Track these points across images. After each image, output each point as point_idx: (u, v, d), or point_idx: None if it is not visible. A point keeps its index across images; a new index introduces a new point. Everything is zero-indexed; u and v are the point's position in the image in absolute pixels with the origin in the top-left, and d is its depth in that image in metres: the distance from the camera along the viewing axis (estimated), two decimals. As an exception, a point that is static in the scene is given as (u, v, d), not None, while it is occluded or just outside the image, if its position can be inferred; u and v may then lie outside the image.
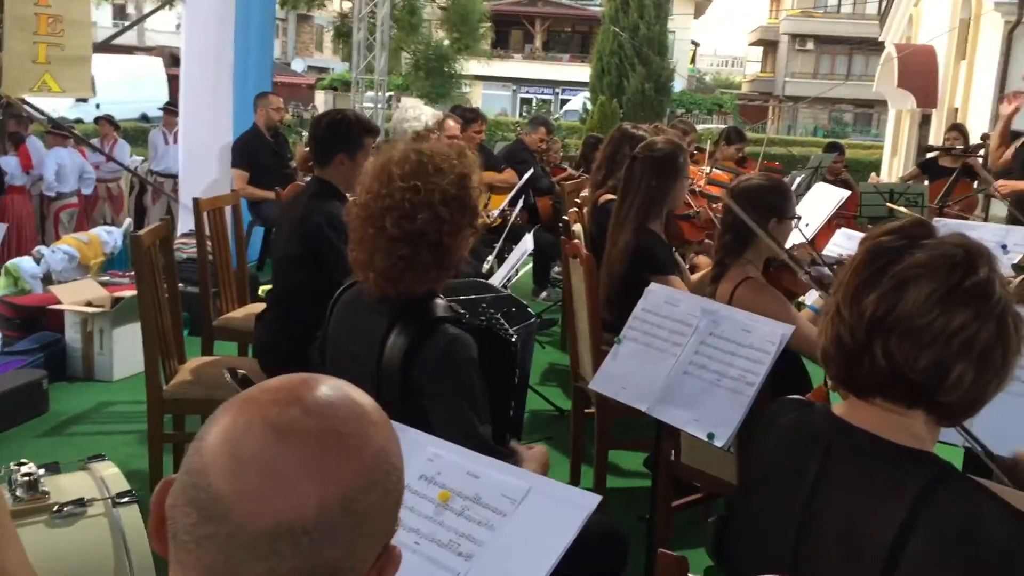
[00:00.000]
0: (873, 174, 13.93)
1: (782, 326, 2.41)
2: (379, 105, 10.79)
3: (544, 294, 6.93)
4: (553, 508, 1.55)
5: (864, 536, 1.21)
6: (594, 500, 1.54)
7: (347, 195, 3.58)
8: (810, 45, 45.05)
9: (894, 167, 21.72)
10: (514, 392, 2.25)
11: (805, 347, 2.74)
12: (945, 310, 1.22)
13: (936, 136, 18.36)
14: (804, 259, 3.14)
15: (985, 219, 7.86)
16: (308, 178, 4.54)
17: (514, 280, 4.26)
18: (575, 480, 3.80)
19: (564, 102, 37.46)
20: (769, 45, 47.94)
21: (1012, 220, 5.04)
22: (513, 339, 2.16)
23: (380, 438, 0.89)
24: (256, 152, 6.98)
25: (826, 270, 3.15)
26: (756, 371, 2.38)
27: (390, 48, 11.29)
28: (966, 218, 6.97)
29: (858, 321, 1.27)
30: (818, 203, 4.42)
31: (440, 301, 2.11)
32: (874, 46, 31.90)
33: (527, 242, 3.80)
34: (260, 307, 4.32)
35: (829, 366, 1.35)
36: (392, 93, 16.71)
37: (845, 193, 4.71)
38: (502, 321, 2.20)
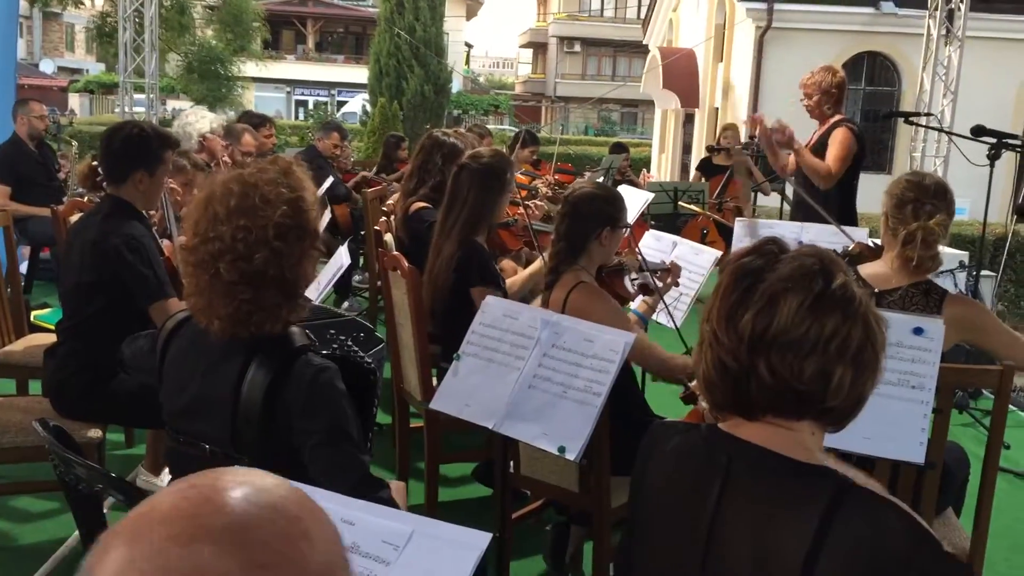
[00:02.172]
0: (644, 170, 14.63)
1: (625, 335, 2.43)
2: (152, 110, 10.13)
3: (346, 304, 6.74)
4: (441, 551, 1.46)
5: (775, 553, 1.21)
6: (485, 538, 1.46)
7: (146, 213, 3.30)
8: (577, 47, 46.84)
9: (663, 164, 22.97)
10: (372, 422, 2.13)
11: (645, 358, 2.79)
12: (816, 318, 1.26)
13: (699, 134, 19.58)
14: (632, 265, 3.20)
15: (753, 213, 8.42)
16: (87, 194, 4.16)
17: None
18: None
19: (341, 104, 36.87)
20: (539, 47, 49.41)
21: (796, 208, 5.37)
22: (371, 366, 2.05)
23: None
24: (19, 164, 6.34)
25: (651, 277, 3.23)
26: (602, 381, 2.39)
27: (159, 49, 10.62)
28: (742, 212, 7.45)
29: (738, 343, 1.29)
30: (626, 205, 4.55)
31: (296, 329, 1.96)
32: (637, 48, 33.65)
33: (342, 256, 3.65)
34: (42, 338, 3.91)
35: (713, 393, 1.36)
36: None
37: (649, 195, 4.88)
38: (356, 348, 2.07)
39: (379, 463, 3.92)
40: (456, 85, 31.58)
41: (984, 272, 7.12)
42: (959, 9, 9.68)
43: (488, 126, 11.51)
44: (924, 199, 2.84)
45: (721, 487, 1.30)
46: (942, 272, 5.34)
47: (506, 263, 4.33)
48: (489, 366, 2.57)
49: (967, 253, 8.13)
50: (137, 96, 10.45)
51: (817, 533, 1.18)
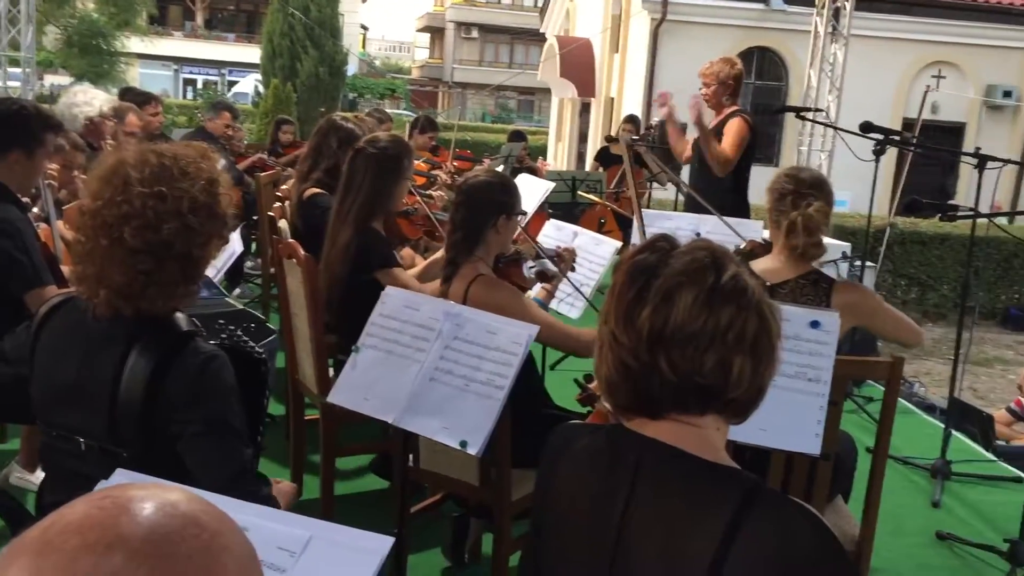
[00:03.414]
0: (541, 159, 14.70)
1: (528, 327, 2.40)
2: (30, 86, 9.59)
3: (237, 291, 6.54)
4: (341, 556, 1.40)
5: (684, 554, 1.20)
6: (386, 542, 1.40)
7: (21, 197, 3.10)
8: (475, 33, 46.73)
9: (559, 153, 23.14)
10: (263, 414, 2.04)
11: (546, 336, 2.77)
12: (712, 311, 1.26)
13: (596, 123, 19.78)
14: (529, 253, 3.17)
15: (649, 202, 8.54)
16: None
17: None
18: (298, 494, 3.59)
19: (232, 84, 35.84)
20: (436, 32, 49.09)
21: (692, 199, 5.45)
22: (263, 356, 1.95)
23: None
24: None
25: (549, 264, 3.21)
26: (505, 374, 2.36)
27: (36, 21, 10.06)
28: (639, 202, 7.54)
29: (637, 342, 1.28)
30: (526, 194, 4.52)
31: (181, 315, 1.85)
32: (535, 36, 33.75)
33: (234, 242, 3.51)
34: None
35: (616, 395, 1.34)
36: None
37: (550, 184, 4.87)
38: (246, 339, 1.97)
39: (272, 456, 3.81)
40: (352, 68, 31.07)
41: (866, 262, 7.40)
42: (845, 8, 10.00)
43: (385, 111, 11.37)
44: (802, 190, 2.96)
45: (630, 488, 1.28)
46: (826, 263, 5.50)
47: (405, 252, 4.25)
48: (389, 358, 2.51)
49: (849, 244, 8.44)
50: (12, 70, 9.92)
51: (726, 534, 1.18)
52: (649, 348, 1.27)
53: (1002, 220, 6.94)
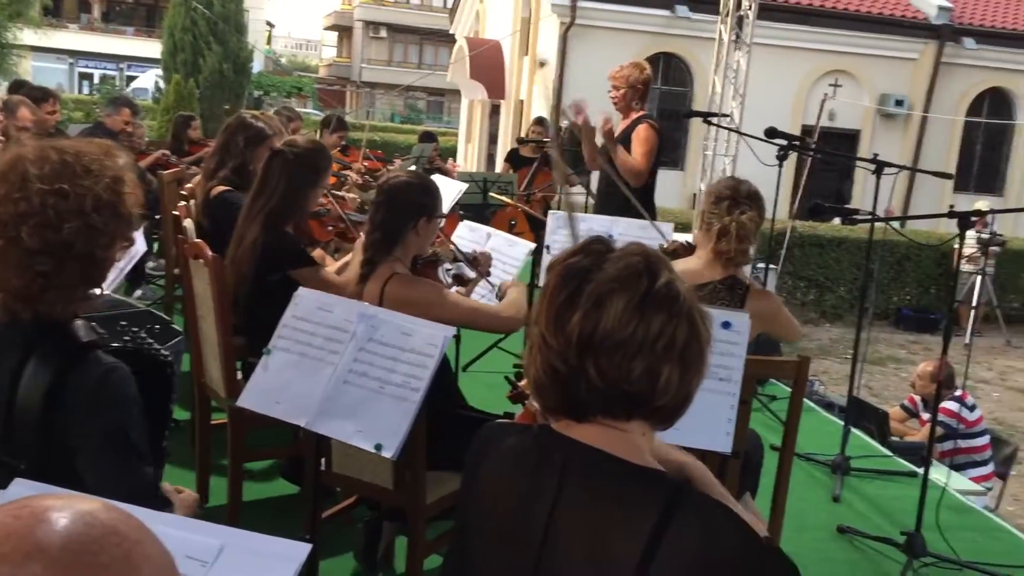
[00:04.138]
0: (451, 160, 14.67)
1: (444, 328, 2.38)
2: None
3: (139, 292, 6.33)
4: (256, 565, 1.36)
5: (610, 555, 1.20)
6: (302, 549, 1.37)
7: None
8: (384, 33, 46.35)
9: (469, 154, 23.14)
10: (169, 419, 1.96)
11: (473, 320, 2.77)
12: (643, 318, 1.26)
13: (505, 125, 19.85)
14: (446, 256, 3.16)
15: (559, 204, 8.60)
16: None
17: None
18: (204, 500, 3.50)
19: (131, 79, 34.72)
20: (344, 31, 48.51)
21: (601, 201, 5.51)
22: (168, 359, 1.88)
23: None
24: None
25: (466, 267, 3.20)
26: (420, 376, 2.34)
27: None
28: (549, 204, 7.59)
29: (566, 346, 1.27)
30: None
31: (81, 323, 1.76)
32: (444, 37, 33.67)
33: (136, 241, 3.38)
34: None
35: (544, 396, 1.33)
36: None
37: (463, 186, 4.85)
38: (150, 341, 1.90)
39: (178, 462, 3.69)
40: (257, 65, 30.44)
41: (768, 265, 7.62)
42: (748, 17, 10.27)
43: (293, 109, 11.16)
44: (739, 198, 3.04)
45: (557, 489, 1.28)
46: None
47: (316, 253, 4.18)
48: (302, 361, 2.46)
49: (753, 247, 8.65)
50: None
51: (652, 536, 1.18)
52: (578, 353, 1.26)
53: (897, 223, 7.22)
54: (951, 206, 3.76)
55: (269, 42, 47.97)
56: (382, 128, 27.42)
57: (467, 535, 1.41)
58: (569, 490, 1.28)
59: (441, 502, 2.73)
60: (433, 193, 2.94)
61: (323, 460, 2.80)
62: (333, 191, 4.35)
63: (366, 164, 6.71)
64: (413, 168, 6.83)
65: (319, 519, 2.72)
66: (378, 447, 2.28)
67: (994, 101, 17.47)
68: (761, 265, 7.57)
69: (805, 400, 5.66)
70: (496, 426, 1.48)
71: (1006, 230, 12.36)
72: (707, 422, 2.25)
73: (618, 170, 5.03)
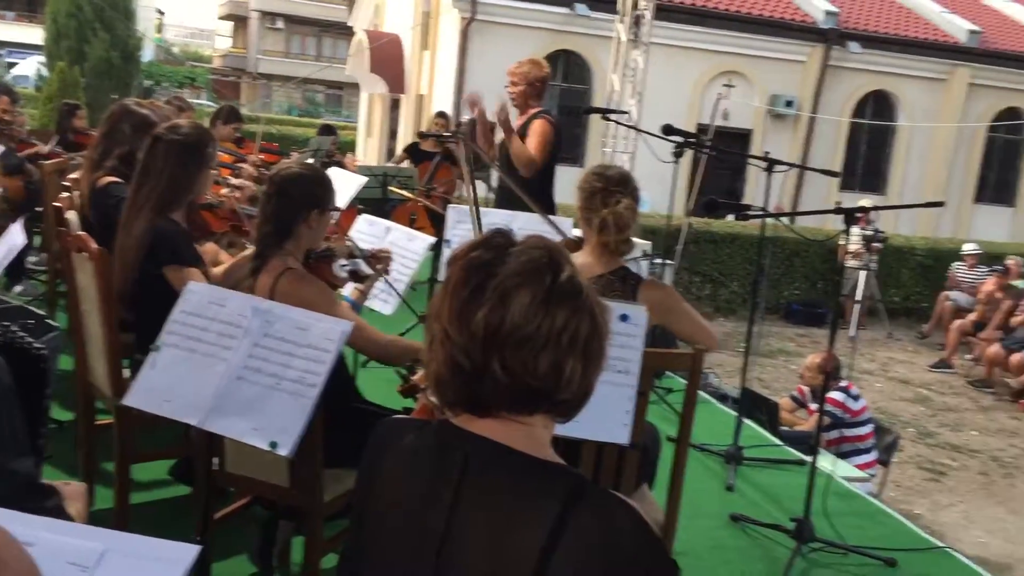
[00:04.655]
0: (350, 154, 14.50)
1: (342, 323, 2.34)
2: None
3: (19, 288, 6.04)
4: (141, 569, 1.30)
5: (511, 549, 1.20)
6: (190, 551, 1.32)
7: None
8: (280, 24, 45.46)
9: (369, 148, 22.89)
10: (45, 416, 1.87)
11: (357, 339, 2.70)
12: (548, 312, 1.26)
13: (406, 120, 19.70)
14: (342, 251, 3.10)
15: (460, 199, 8.59)
16: None
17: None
18: (90, 504, 3.35)
19: (11, 65, 33.11)
20: (239, 21, 47.36)
21: (501, 197, 5.52)
22: (43, 352, 1.79)
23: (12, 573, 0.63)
24: None
25: (362, 263, 3.14)
26: (317, 371, 2.29)
27: None
28: (449, 200, 7.56)
29: (471, 341, 1.26)
30: (338, 189, 4.42)
31: None
32: (343, 30, 33.21)
33: (15, 234, 3.21)
34: None
35: (444, 391, 1.32)
36: None
37: (362, 179, 4.78)
38: (23, 334, 1.81)
39: (60, 465, 3.55)
40: (147, 54, 29.44)
41: (665, 261, 7.76)
42: (645, 17, 10.44)
43: (184, 99, 10.79)
44: (610, 187, 3.06)
45: (457, 485, 1.26)
46: (628, 260, 5.72)
47: (208, 247, 4.05)
48: (192, 357, 2.38)
49: (650, 243, 8.82)
50: None
51: (553, 531, 1.18)
52: (483, 348, 1.25)
53: (786, 220, 7.45)
54: (837, 202, 3.90)
55: (160, 30, 46.49)
56: (279, 121, 26.92)
57: (364, 532, 1.38)
58: (470, 485, 1.26)
59: (339, 500, 2.68)
60: (325, 185, 2.87)
61: (215, 459, 2.71)
62: (227, 182, 4.23)
63: (262, 157, 6.55)
64: (311, 161, 6.71)
65: (211, 520, 2.64)
66: (273, 445, 2.22)
67: (877, 103, 18.22)
68: (658, 260, 7.71)
69: (700, 392, 5.81)
70: (394, 422, 1.45)
71: (888, 227, 12.90)
72: (605, 414, 2.27)
73: (513, 163, 5.06)
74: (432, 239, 4.01)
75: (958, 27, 18.27)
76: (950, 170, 18.19)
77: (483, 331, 1.25)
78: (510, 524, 1.21)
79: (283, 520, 3.07)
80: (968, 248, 12.12)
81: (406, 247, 3.80)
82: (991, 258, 11.87)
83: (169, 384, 2.36)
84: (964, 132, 18.01)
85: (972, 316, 10.85)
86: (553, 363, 1.25)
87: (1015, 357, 9.54)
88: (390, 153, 20.68)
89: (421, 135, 8.21)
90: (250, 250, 3.15)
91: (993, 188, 19.10)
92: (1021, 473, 7.45)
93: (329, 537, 2.72)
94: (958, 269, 11.98)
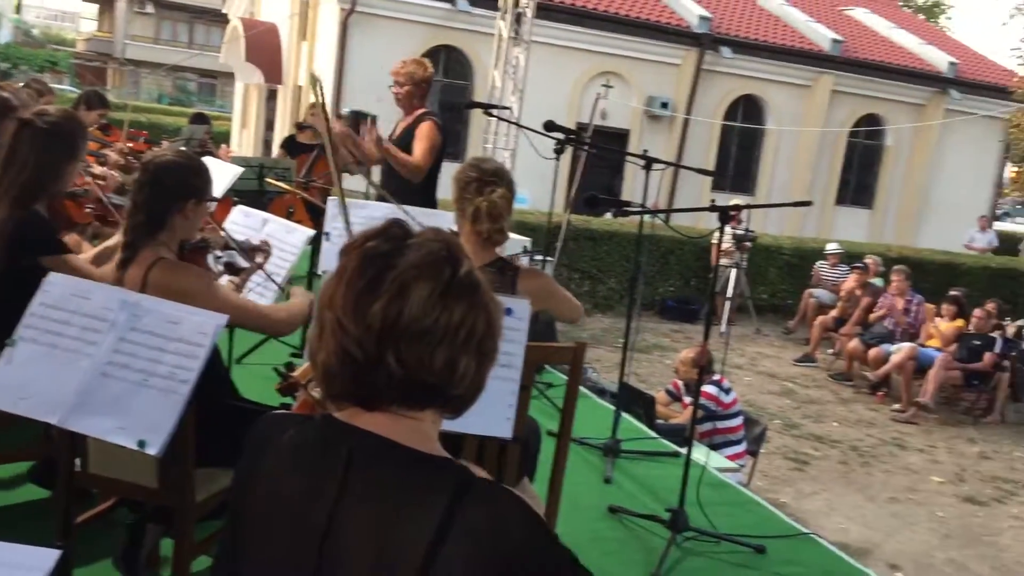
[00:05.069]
0: (224, 145, 14.08)
1: (214, 316, 2.25)
2: None
3: None
4: (-5, 577, 1.22)
5: (397, 546, 1.17)
6: (50, 556, 1.25)
7: None
8: (150, 9, 43.78)
9: (244, 140, 22.30)
10: None
11: (241, 318, 2.63)
12: (446, 307, 1.24)
13: (283, 111, 19.29)
14: (217, 243, 2.99)
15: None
16: None
17: None
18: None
19: None
20: (106, 4, 45.34)
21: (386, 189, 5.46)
22: None
23: None
24: None
25: (239, 256, 3.04)
26: (189, 366, 2.20)
27: None
28: (328, 191, 7.42)
29: (366, 333, 1.23)
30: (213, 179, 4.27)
31: None
32: (217, 17, 32.23)
33: None
34: None
35: (332, 383, 1.28)
36: None
37: (238, 170, 4.63)
38: None
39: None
40: (4, 35, 27.87)
41: (545, 257, 7.84)
42: (526, 15, 10.51)
43: (45, 83, 10.23)
44: (485, 178, 3.08)
45: (342, 480, 1.23)
46: (508, 255, 5.76)
47: (71, 238, 3.85)
48: (52, 352, 2.25)
49: (530, 240, 8.90)
50: None
51: (440, 525, 1.16)
52: (378, 340, 1.22)
53: (663, 218, 7.63)
54: (712, 201, 4.01)
55: (18, 10, 44.07)
56: (148, 109, 25.95)
57: (242, 531, 1.33)
58: (355, 481, 1.23)
59: (211, 500, 2.59)
60: (203, 174, 2.77)
61: (78, 460, 2.58)
62: (92, 170, 4.03)
63: (130, 145, 6.27)
64: (182, 150, 6.46)
65: (73, 524, 2.51)
66: (142, 444, 2.13)
67: (748, 107, 18.90)
68: (539, 257, 7.78)
69: (580, 387, 5.90)
70: (275, 417, 1.40)
71: (756, 227, 13.38)
72: (488, 408, 2.27)
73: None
74: (311, 232, 3.92)
75: (822, 36, 19.13)
76: (814, 173, 19.04)
77: (379, 323, 1.22)
78: (396, 519, 1.19)
79: (152, 523, 2.95)
80: (831, 248, 12.70)
81: (284, 240, 3.71)
82: (851, 257, 12.47)
83: (26, 381, 2.23)
84: (827, 137, 18.88)
85: (834, 312, 11.37)
86: (448, 359, 1.24)
87: (873, 351, 10.05)
88: (267, 145, 20.21)
89: (298, 126, 8.04)
90: (116, 240, 3.00)
91: (853, 191, 20.11)
92: (878, 462, 7.85)
93: (200, 539, 2.62)
94: (821, 267, 12.53)
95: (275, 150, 9.22)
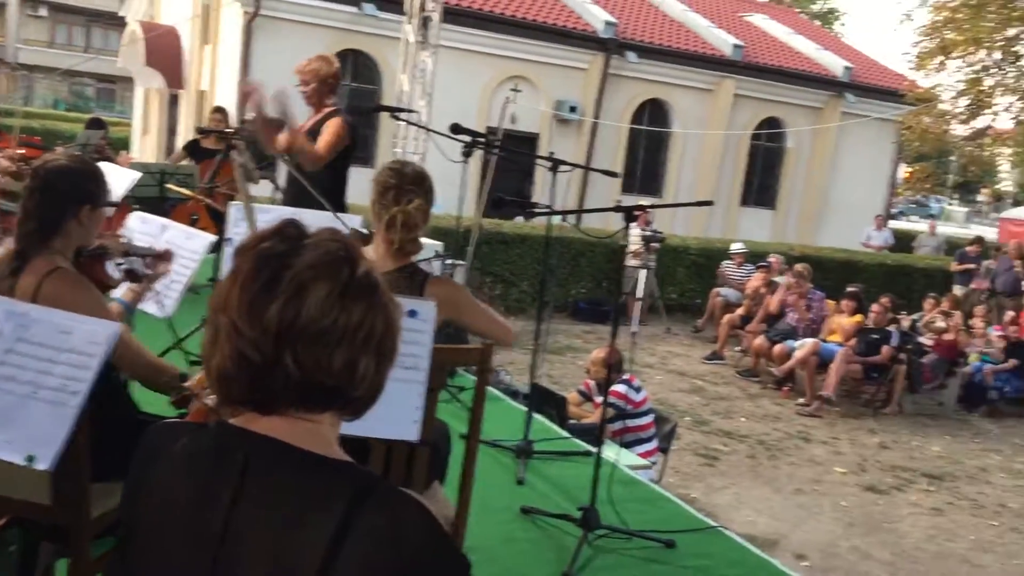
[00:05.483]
0: (124, 152, 13.68)
1: (109, 324, 2.18)
2: None
3: None
4: None
5: (294, 552, 1.15)
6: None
7: None
8: (44, 12, 42.23)
9: (146, 146, 21.69)
10: None
11: (124, 353, 2.52)
12: (344, 307, 1.22)
13: (186, 117, 18.82)
14: (116, 249, 2.89)
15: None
16: None
17: None
18: None
19: None
20: (-4, 6, 43.58)
21: (289, 195, 5.37)
22: None
23: None
24: None
25: (138, 263, 2.95)
26: (81, 377, 2.12)
27: None
28: (233, 197, 7.27)
29: (262, 335, 1.20)
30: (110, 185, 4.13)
31: None
32: (114, 20, 31.26)
33: None
34: None
35: (228, 388, 1.25)
36: None
37: (135, 175, 4.49)
38: None
39: None
40: None
41: (457, 261, 7.82)
42: (433, 19, 10.48)
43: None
44: (404, 185, 3.04)
45: (237, 487, 1.20)
46: (421, 261, 5.72)
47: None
48: (-68, 367, 2.14)
49: (443, 244, 8.87)
50: None
51: (338, 530, 1.14)
52: (275, 342, 1.19)
53: (573, 222, 7.70)
54: (617, 201, 4.06)
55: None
56: (43, 115, 25.06)
57: (133, 545, 1.29)
58: (251, 487, 1.20)
59: (108, 516, 2.50)
60: (98, 179, 2.68)
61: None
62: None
63: (22, 152, 6.04)
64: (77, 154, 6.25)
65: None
66: (30, 459, 2.04)
67: (654, 111, 19.23)
68: (450, 261, 7.76)
69: (492, 389, 5.90)
70: (165, 426, 1.36)
71: (664, 228, 13.62)
72: (394, 411, 2.25)
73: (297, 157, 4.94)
74: (213, 238, 3.83)
75: (724, 41, 19.59)
76: (719, 174, 19.48)
77: (276, 325, 1.20)
78: (294, 524, 1.16)
79: (45, 542, 2.83)
80: (736, 247, 13.01)
81: (184, 246, 3.61)
82: (756, 256, 12.80)
83: (-97, 397, 2.11)
84: (731, 139, 19.35)
85: (740, 311, 11.65)
86: (348, 360, 1.22)
87: (777, 348, 10.33)
88: (169, 152, 19.68)
89: (200, 131, 7.85)
90: (5, 248, 2.88)
91: (757, 192, 20.65)
92: (784, 455, 8.07)
93: (97, 557, 2.52)
94: (727, 267, 12.83)
95: (176, 154, 8.97)
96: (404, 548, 1.15)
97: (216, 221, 6.53)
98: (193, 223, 6.35)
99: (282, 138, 5.03)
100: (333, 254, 1.24)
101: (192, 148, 8.21)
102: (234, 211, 4.02)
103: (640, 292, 11.93)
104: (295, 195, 5.23)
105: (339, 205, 5.17)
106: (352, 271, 1.24)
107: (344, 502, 1.16)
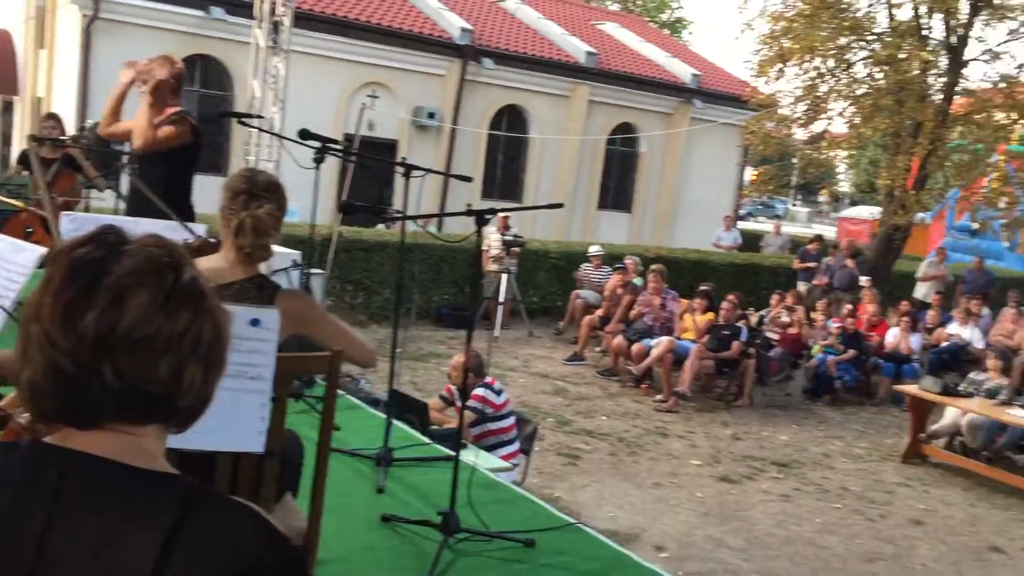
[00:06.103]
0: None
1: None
2: None
3: None
4: None
5: (118, 571, 1.09)
6: None
7: None
8: None
9: (-23, 155, 20.38)
10: None
11: None
12: (169, 314, 1.18)
13: (21, 124, 17.83)
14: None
15: (87, 210, 7.91)
16: None
17: None
18: None
19: None
20: None
21: (133, 205, 5.17)
22: None
23: None
24: None
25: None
26: None
27: None
28: (71, 207, 6.93)
29: (78, 344, 1.14)
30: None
31: None
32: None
33: None
34: None
35: (41, 402, 1.18)
36: None
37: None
38: None
39: None
40: None
41: (315, 270, 7.69)
42: (284, 24, 10.28)
43: None
44: (255, 191, 2.96)
45: (52, 507, 1.13)
46: (277, 271, 5.60)
47: None
48: None
49: (300, 253, 8.70)
50: None
51: (164, 545, 1.09)
52: (92, 352, 1.13)
53: (433, 228, 7.68)
54: (468, 204, 4.09)
55: None
56: None
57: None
58: (68, 506, 1.14)
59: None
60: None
61: None
62: None
63: None
64: None
65: None
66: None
67: (512, 116, 19.47)
68: (308, 270, 7.61)
69: (351, 398, 5.84)
70: None
71: (524, 232, 13.80)
72: (238, 423, 2.19)
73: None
74: (44, 250, 3.63)
75: (578, 48, 20.03)
76: (577, 179, 19.88)
77: (94, 334, 1.14)
78: (116, 541, 1.11)
79: None
80: (593, 250, 13.30)
81: (12, 260, 3.39)
82: (613, 259, 13.11)
83: None
84: (587, 144, 19.78)
85: (599, 312, 11.91)
86: (173, 368, 1.17)
87: (635, 347, 10.60)
88: (3, 161, 18.57)
89: (33, 139, 7.45)
90: None
91: (613, 195, 21.20)
92: (643, 451, 8.30)
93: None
94: (586, 269, 13.09)
95: (12, 166, 8.49)
96: (236, 561, 1.12)
97: (51, 234, 6.20)
98: (28, 236, 6.02)
99: (120, 128, 4.87)
100: (157, 260, 1.19)
101: (26, 157, 7.79)
102: (66, 221, 3.83)
103: (502, 296, 12.04)
104: (136, 203, 5.04)
105: (185, 211, 5.00)
106: (177, 277, 1.20)
107: (171, 515, 1.12)
